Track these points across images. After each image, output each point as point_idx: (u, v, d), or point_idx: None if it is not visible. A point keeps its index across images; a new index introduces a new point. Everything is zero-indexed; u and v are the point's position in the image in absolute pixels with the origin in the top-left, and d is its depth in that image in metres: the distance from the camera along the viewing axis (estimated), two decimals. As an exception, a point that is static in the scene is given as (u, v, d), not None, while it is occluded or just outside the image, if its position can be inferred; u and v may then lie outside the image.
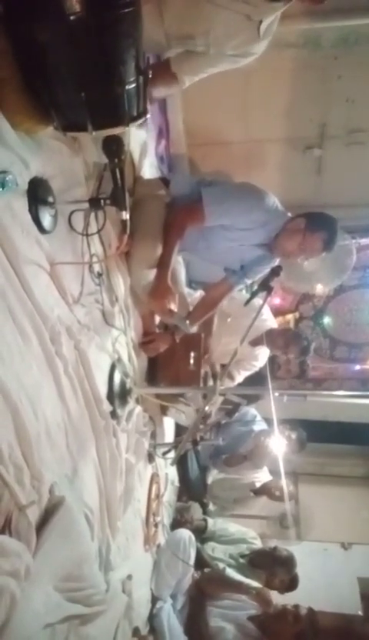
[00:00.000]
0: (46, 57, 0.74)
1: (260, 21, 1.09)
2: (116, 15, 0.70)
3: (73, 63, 0.74)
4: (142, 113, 0.86)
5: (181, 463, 2.22)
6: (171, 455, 1.72)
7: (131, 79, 0.80)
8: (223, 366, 1.91)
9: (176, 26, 1.09)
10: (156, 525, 1.66)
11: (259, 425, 2.42)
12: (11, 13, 0.70)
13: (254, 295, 1.33)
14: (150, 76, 0.84)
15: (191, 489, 2.29)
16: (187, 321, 1.49)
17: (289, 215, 1.46)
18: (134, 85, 0.81)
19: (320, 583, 2.35)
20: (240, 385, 2.14)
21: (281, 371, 2.17)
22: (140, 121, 0.86)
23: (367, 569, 2.49)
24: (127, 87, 0.79)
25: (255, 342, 2.12)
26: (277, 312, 2.83)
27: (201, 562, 1.90)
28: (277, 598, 1.90)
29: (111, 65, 0.76)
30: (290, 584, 1.95)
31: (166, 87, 1.23)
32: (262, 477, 2.42)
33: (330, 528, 2.66)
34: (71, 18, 0.67)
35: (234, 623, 1.67)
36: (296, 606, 1.75)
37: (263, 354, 2.18)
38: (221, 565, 1.91)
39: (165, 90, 1.26)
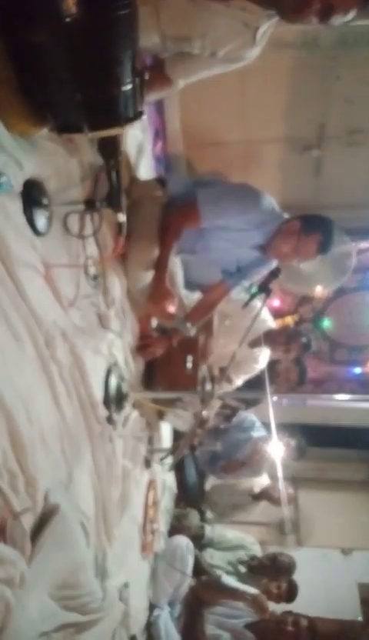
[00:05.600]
0: (42, 58, 0.73)
1: (257, 28, 1.10)
2: (112, 17, 0.70)
3: (69, 64, 0.73)
4: (138, 114, 0.85)
5: (179, 469, 2.20)
6: (169, 460, 1.70)
7: (128, 80, 0.79)
8: (221, 369, 1.89)
9: (173, 28, 1.09)
10: (153, 532, 1.64)
11: (258, 432, 2.40)
12: (6, 14, 0.69)
13: (252, 296, 1.31)
14: (146, 78, 0.84)
15: (189, 495, 2.27)
16: (188, 324, 1.48)
17: (285, 216, 1.45)
18: (130, 87, 0.80)
19: (320, 589, 2.34)
20: (239, 388, 2.13)
21: (280, 379, 2.16)
22: (136, 123, 0.85)
23: (367, 575, 2.48)
24: (123, 88, 0.78)
25: (254, 344, 2.11)
26: (276, 314, 2.82)
27: (199, 569, 1.88)
28: (275, 605, 1.88)
29: (107, 66, 0.75)
30: (290, 594, 1.93)
31: (160, 90, 1.24)
32: (261, 482, 2.41)
33: (330, 534, 2.64)
34: (67, 19, 0.66)
35: (230, 631, 1.65)
36: (292, 613, 1.73)
37: (263, 355, 2.16)
38: (218, 572, 1.89)
39: (159, 93, 1.27)
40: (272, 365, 2.19)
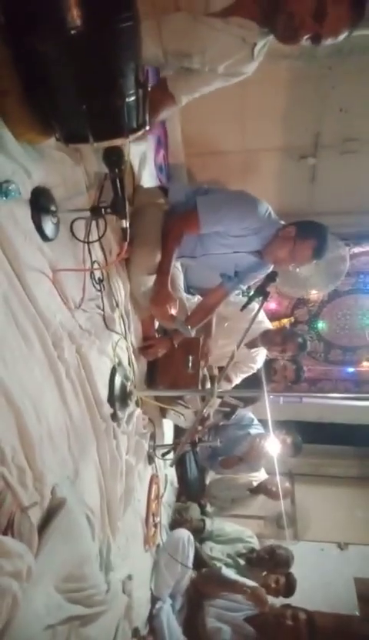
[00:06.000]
0: (47, 70, 0.75)
1: (254, 44, 1.12)
2: (116, 29, 0.72)
3: (74, 76, 0.75)
4: (142, 125, 0.87)
5: (180, 464, 2.24)
6: (170, 456, 1.74)
7: (131, 92, 0.81)
8: (220, 369, 1.93)
9: (174, 43, 1.11)
10: (156, 526, 1.67)
11: (256, 429, 2.45)
12: (12, 27, 0.71)
13: (250, 299, 1.35)
14: (149, 89, 0.87)
15: (190, 490, 2.30)
16: (189, 326, 1.52)
17: (282, 222, 1.49)
18: (133, 98, 0.82)
19: (317, 583, 2.37)
20: (237, 387, 2.17)
21: (277, 376, 2.20)
22: (140, 133, 0.88)
23: (364, 569, 2.51)
24: (127, 99, 0.80)
25: (251, 344, 2.15)
26: (273, 317, 2.88)
27: (199, 562, 1.91)
28: (273, 598, 1.91)
29: (111, 77, 0.77)
30: (288, 588, 1.96)
31: (165, 109, 1.26)
32: (259, 477, 2.45)
33: (326, 528, 2.68)
34: (72, 32, 0.68)
35: (230, 624, 1.67)
36: (291, 607, 1.76)
37: (260, 356, 2.21)
38: (218, 565, 1.93)
39: (165, 113, 1.29)
40: (269, 362, 2.24)
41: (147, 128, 0.90)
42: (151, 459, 1.66)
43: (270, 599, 1.86)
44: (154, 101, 0.88)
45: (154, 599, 1.63)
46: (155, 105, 1.04)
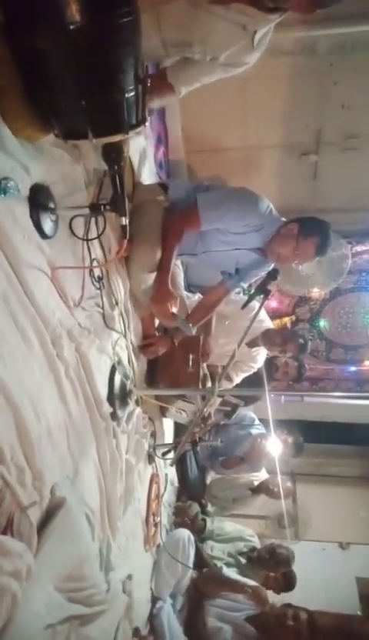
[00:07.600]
0: (47, 66, 0.75)
1: (255, 32, 1.11)
2: (115, 25, 0.71)
3: (73, 72, 0.75)
4: (141, 120, 0.87)
5: (181, 463, 2.24)
6: (171, 455, 1.73)
7: (131, 87, 0.80)
8: (222, 368, 1.92)
9: (173, 34, 1.10)
10: (156, 525, 1.67)
11: (257, 429, 2.44)
12: (12, 22, 0.71)
13: (251, 297, 1.34)
14: (148, 84, 0.86)
15: (190, 489, 2.30)
16: (190, 324, 1.51)
17: (283, 219, 1.48)
18: (133, 93, 0.82)
19: (319, 583, 2.37)
20: (238, 386, 2.16)
21: (279, 374, 2.20)
22: (139, 129, 0.87)
23: (366, 569, 2.51)
24: (126, 95, 0.80)
25: (252, 344, 2.15)
26: (274, 315, 2.87)
27: (200, 562, 1.91)
28: (274, 597, 1.91)
29: (110, 73, 0.77)
30: (287, 582, 1.96)
31: (163, 98, 1.26)
32: (260, 476, 2.44)
33: (328, 528, 2.68)
34: (71, 27, 0.68)
35: (231, 624, 1.67)
36: (292, 606, 1.75)
37: (261, 355, 2.20)
38: (219, 564, 1.92)
39: (162, 101, 1.28)
40: (271, 359, 2.23)
41: (147, 124, 0.89)
42: (151, 458, 1.66)
43: (271, 598, 1.85)
44: (151, 88, 0.87)
45: (154, 599, 1.63)
46: (150, 92, 1.02)
